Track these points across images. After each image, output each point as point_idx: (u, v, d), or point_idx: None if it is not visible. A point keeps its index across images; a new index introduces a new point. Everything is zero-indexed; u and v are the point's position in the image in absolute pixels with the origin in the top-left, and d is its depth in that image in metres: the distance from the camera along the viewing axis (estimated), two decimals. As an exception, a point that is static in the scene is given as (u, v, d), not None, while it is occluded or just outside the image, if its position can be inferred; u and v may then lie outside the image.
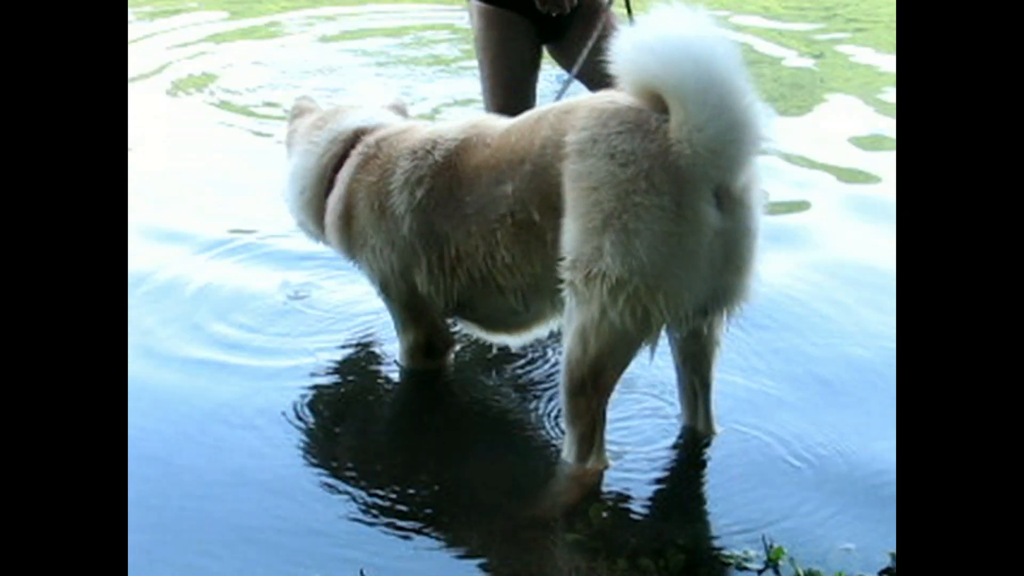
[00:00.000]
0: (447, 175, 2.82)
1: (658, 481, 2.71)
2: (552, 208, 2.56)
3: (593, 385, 2.53)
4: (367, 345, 3.38)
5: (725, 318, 2.64)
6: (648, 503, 2.64)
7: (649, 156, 2.37)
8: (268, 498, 2.63)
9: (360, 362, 3.29)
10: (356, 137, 3.07)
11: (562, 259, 2.51)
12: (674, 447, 2.81)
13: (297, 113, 3.34)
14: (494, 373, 3.20)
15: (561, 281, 2.53)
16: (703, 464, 2.76)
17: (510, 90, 3.95)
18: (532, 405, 3.03)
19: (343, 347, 3.37)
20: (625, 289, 2.40)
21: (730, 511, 2.58)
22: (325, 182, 3.10)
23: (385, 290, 3.05)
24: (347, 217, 3.03)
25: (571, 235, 2.47)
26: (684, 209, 2.37)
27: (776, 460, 2.75)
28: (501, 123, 2.85)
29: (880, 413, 2.89)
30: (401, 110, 3.34)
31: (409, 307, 3.04)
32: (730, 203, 2.41)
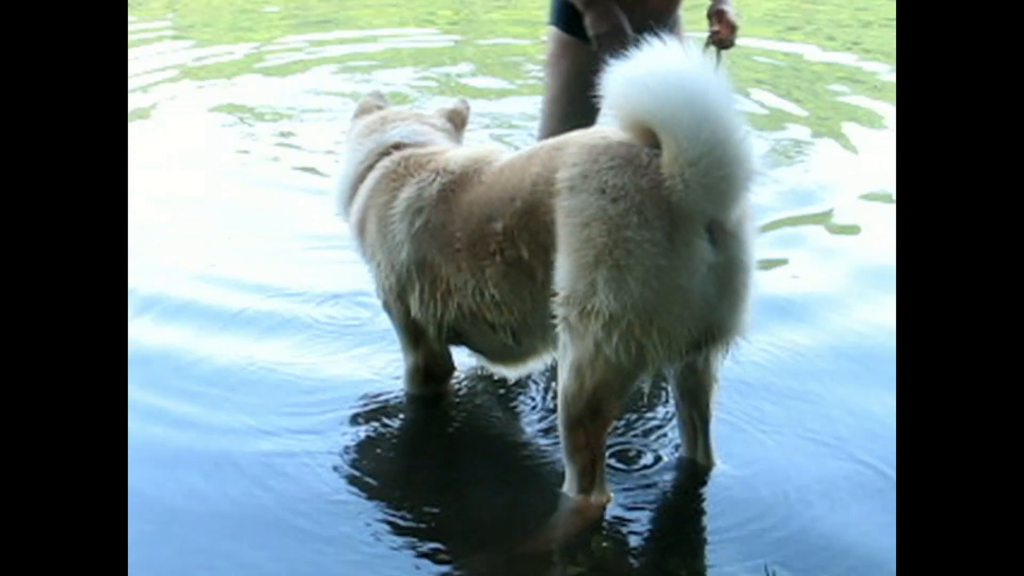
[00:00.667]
0: (442, 208, 2.83)
1: (659, 512, 2.70)
2: (542, 246, 2.56)
3: (591, 419, 2.52)
4: (365, 368, 3.38)
5: (721, 352, 2.63)
6: (649, 534, 2.63)
7: (640, 191, 2.37)
8: (260, 530, 2.62)
9: (359, 387, 3.28)
10: (390, 150, 3.08)
11: (555, 295, 2.50)
12: (675, 479, 2.80)
13: (359, 112, 3.35)
14: (498, 401, 3.18)
15: (553, 317, 2.52)
16: (704, 496, 2.74)
17: (569, 120, 3.95)
18: (537, 434, 3.02)
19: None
20: (619, 325, 2.39)
21: (731, 542, 2.56)
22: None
23: (387, 308, 3.07)
24: (362, 230, 3.06)
25: (564, 271, 2.47)
26: (676, 244, 2.36)
27: (780, 490, 2.74)
28: (501, 158, 2.85)
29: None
30: (457, 117, 3.30)
31: (407, 329, 3.06)
32: (723, 237, 2.41)
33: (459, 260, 2.78)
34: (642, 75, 2.38)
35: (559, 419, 2.58)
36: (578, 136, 2.62)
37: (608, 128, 2.51)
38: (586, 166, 2.45)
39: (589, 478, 2.58)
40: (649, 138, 2.40)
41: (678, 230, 2.36)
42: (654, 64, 2.37)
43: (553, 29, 4.00)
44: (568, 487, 2.62)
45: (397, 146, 3.07)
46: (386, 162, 3.04)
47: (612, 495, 2.65)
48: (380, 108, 3.32)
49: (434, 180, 2.88)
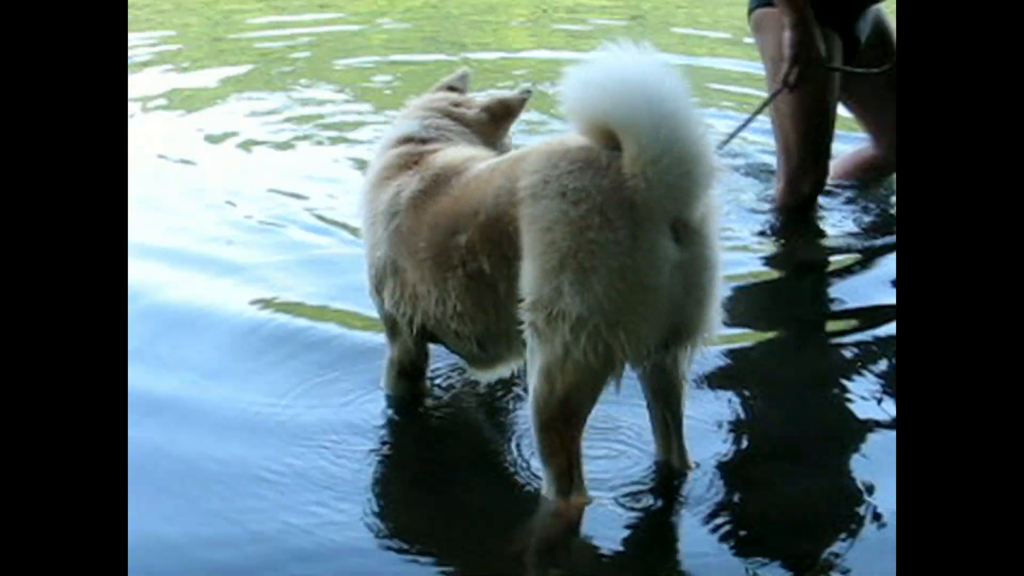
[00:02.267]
0: (412, 215, 2.83)
1: (640, 516, 2.67)
2: (504, 257, 2.55)
3: (564, 422, 2.51)
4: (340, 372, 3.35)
5: (689, 352, 2.64)
6: (630, 538, 2.61)
7: (601, 192, 2.36)
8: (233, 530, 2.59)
9: (339, 391, 3.24)
10: (398, 143, 3.04)
11: (521, 301, 2.49)
12: (655, 481, 2.78)
13: (432, 91, 3.31)
14: (478, 400, 3.16)
15: (518, 325, 2.52)
16: (684, 498, 2.72)
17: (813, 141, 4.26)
18: (518, 434, 2.99)
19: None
20: (586, 326, 2.38)
21: (713, 545, 2.55)
22: None
23: (371, 296, 3.08)
24: (360, 212, 3.08)
25: (529, 277, 2.46)
26: (640, 243, 2.36)
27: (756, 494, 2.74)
28: (473, 168, 2.80)
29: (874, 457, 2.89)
30: (500, 108, 3.19)
31: (386, 321, 3.08)
32: (688, 235, 2.40)
33: (423, 269, 2.79)
34: (598, 77, 2.38)
35: (532, 424, 2.56)
36: (538, 145, 2.63)
37: (568, 136, 2.52)
38: (546, 172, 2.44)
39: (567, 480, 2.57)
40: (608, 141, 2.40)
41: (641, 229, 2.35)
42: (610, 66, 2.37)
43: (760, 11, 4.21)
44: (547, 490, 2.61)
45: (407, 139, 3.04)
46: (390, 154, 3.02)
47: (592, 498, 2.62)
48: (454, 90, 3.28)
49: (410, 184, 2.87)
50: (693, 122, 2.33)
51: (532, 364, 2.52)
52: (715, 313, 2.52)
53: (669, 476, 2.77)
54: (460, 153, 2.92)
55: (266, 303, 3.78)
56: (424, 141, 3.01)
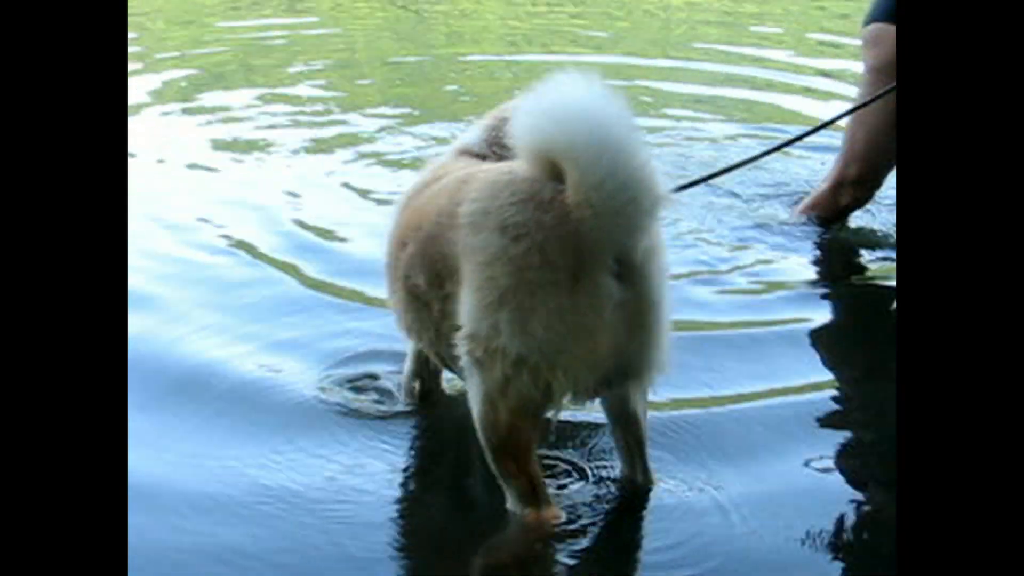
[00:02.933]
0: (394, 225, 2.82)
1: (613, 527, 2.67)
2: (438, 276, 2.52)
3: (514, 445, 2.47)
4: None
5: (639, 388, 2.59)
6: (604, 549, 2.60)
7: (543, 228, 2.29)
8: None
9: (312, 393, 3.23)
10: (461, 152, 2.93)
11: (457, 328, 2.45)
12: (627, 493, 2.77)
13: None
14: (452, 408, 3.12)
15: (454, 346, 2.47)
16: (657, 510, 2.71)
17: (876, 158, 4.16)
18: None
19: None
20: (526, 364, 2.34)
21: (687, 556, 2.54)
22: None
23: None
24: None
25: (467, 308, 2.41)
26: (582, 284, 2.29)
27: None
28: (442, 182, 2.72)
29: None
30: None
31: None
32: (631, 273, 2.34)
33: (389, 277, 2.80)
34: (540, 105, 2.31)
35: (484, 450, 2.52)
36: (485, 170, 2.57)
37: (517, 164, 2.44)
38: (487, 202, 2.38)
39: (532, 498, 2.54)
40: (554, 172, 2.33)
41: (583, 268, 2.29)
42: (552, 93, 2.30)
43: (877, 26, 4.15)
44: (513, 506, 2.58)
45: (464, 151, 2.92)
46: (437, 162, 2.96)
47: (562, 513, 2.60)
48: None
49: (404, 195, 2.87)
50: (637, 148, 2.25)
51: (473, 391, 2.47)
52: (659, 354, 2.45)
53: (634, 493, 2.75)
54: (441, 166, 2.85)
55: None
56: (482, 156, 2.87)
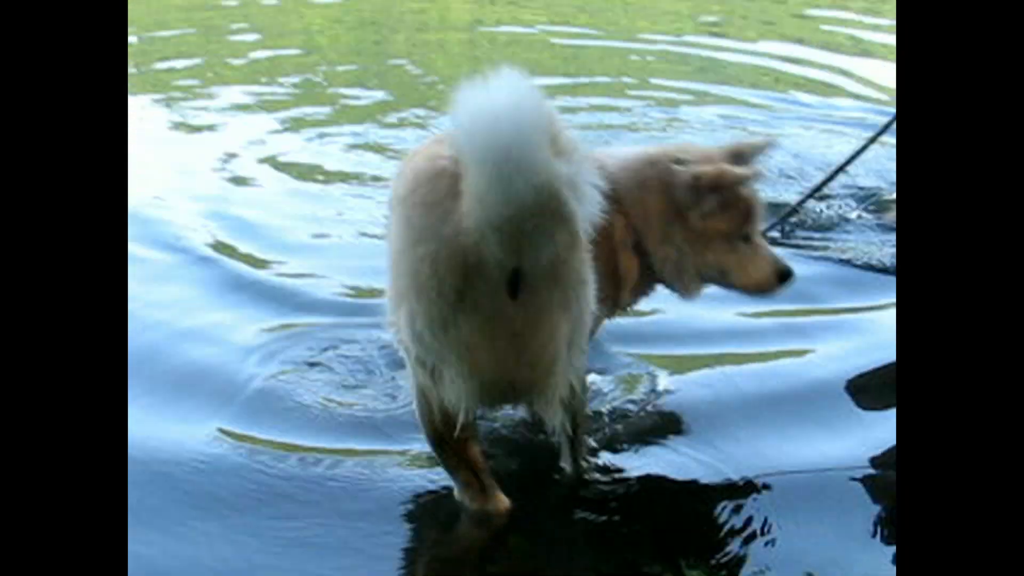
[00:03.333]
0: None
1: (577, 511, 2.65)
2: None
3: (450, 436, 2.39)
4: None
5: (548, 407, 2.40)
6: (567, 533, 2.59)
7: (438, 239, 2.13)
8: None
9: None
10: None
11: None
12: (589, 478, 2.74)
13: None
14: None
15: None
16: (622, 490, 2.70)
17: None
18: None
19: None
20: (424, 365, 2.29)
21: (647, 536, 2.55)
22: None
23: None
24: None
25: (388, 295, 2.37)
26: (465, 300, 2.15)
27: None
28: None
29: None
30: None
31: None
32: (526, 289, 2.15)
33: None
34: (462, 106, 1.99)
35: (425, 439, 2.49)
36: (425, 147, 2.42)
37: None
38: (406, 189, 2.26)
39: (476, 489, 2.50)
40: None
41: (471, 286, 2.14)
42: (472, 95, 1.98)
43: None
44: (460, 497, 2.53)
45: None
46: None
47: (509, 502, 2.53)
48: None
49: None
50: (531, 161, 1.93)
51: (409, 379, 2.44)
52: (549, 379, 2.30)
53: (604, 471, 2.74)
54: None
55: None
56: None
